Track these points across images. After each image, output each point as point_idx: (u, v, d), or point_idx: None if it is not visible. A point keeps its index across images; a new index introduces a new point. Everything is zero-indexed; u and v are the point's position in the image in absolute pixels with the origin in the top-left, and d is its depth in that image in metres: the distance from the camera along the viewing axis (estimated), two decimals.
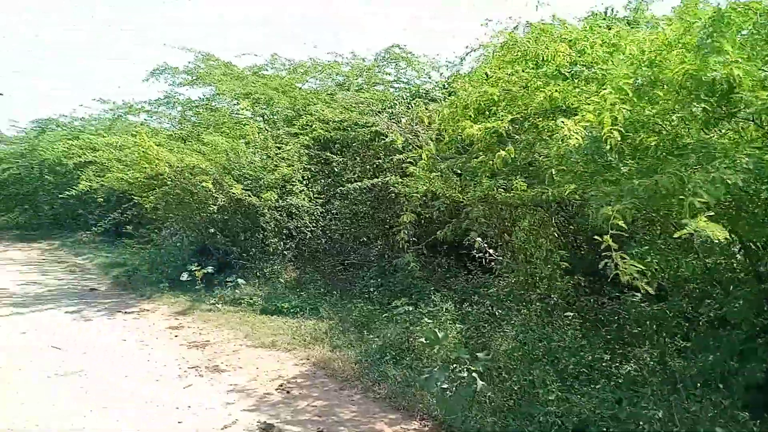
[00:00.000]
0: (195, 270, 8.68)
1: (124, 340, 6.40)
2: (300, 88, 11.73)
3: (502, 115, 4.31)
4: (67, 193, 9.88)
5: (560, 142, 3.42)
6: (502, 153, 4.00)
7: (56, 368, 5.35)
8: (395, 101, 8.80)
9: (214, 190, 8.31)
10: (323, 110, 8.99)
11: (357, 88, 11.11)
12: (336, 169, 10.00)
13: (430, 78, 11.60)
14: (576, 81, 4.29)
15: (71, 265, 11.59)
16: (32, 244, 14.76)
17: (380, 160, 9.14)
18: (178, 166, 8.47)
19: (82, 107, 17.08)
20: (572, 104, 3.94)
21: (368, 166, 9.89)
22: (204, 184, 8.08)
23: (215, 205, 8.84)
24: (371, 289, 8.19)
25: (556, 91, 3.89)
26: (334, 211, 9.55)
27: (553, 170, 3.93)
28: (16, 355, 5.72)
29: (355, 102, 8.76)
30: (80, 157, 9.22)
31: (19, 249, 13.93)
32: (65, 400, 4.60)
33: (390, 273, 8.62)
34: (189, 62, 11.91)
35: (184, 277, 8.61)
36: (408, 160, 6.67)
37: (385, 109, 8.60)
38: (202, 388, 4.93)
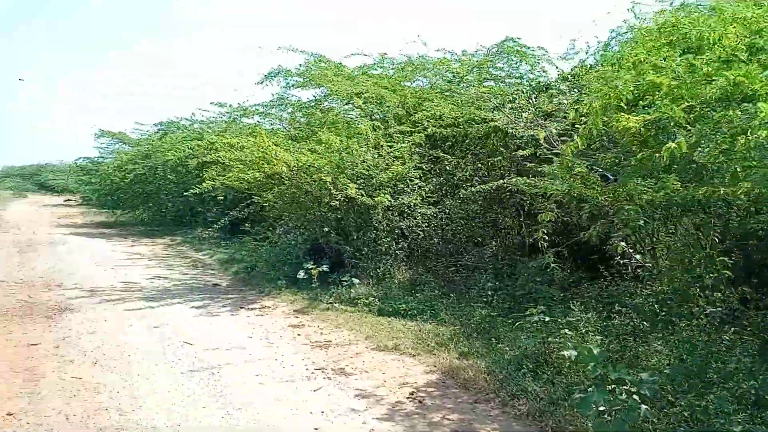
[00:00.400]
0: (311, 268, 8.71)
1: (249, 337, 6.44)
2: (409, 87, 11.53)
3: (664, 105, 3.81)
4: (191, 190, 10.23)
5: (755, 133, 2.90)
6: (672, 145, 3.49)
7: (189, 364, 5.42)
8: (515, 95, 8.33)
9: (332, 188, 8.25)
10: (439, 107, 8.70)
11: (468, 85, 10.75)
12: (448, 168, 9.70)
13: (544, 72, 10.99)
14: (756, 65, 3.71)
15: (193, 260, 12.06)
16: (156, 240, 15.62)
17: (497, 158, 8.74)
18: (294, 165, 8.51)
19: (200, 110, 17.82)
20: (756, 90, 3.39)
21: (480, 164, 9.52)
22: (323, 179, 8.05)
23: (330, 204, 8.82)
24: (489, 293, 7.81)
25: (741, 75, 3.34)
26: (447, 211, 9.23)
27: (737, 166, 3.37)
28: (152, 350, 5.88)
29: (476, 97, 8.38)
30: (204, 157, 9.51)
31: (145, 244, 14.76)
32: (201, 398, 4.61)
33: (507, 276, 8.21)
34: (300, 65, 12.07)
35: (301, 275, 8.64)
36: (537, 156, 6.22)
37: (504, 103, 8.15)
38: (331, 392, 4.78)
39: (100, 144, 25.05)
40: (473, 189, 7.55)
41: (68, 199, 31.08)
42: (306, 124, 11.56)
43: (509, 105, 8.05)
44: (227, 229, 12.84)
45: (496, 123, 7.70)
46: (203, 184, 9.56)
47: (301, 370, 5.32)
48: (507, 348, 5.43)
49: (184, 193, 10.88)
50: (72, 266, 10.80)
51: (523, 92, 8.48)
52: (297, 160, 8.45)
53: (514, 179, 6.74)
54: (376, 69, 12.19)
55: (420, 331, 6.42)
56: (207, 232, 14.75)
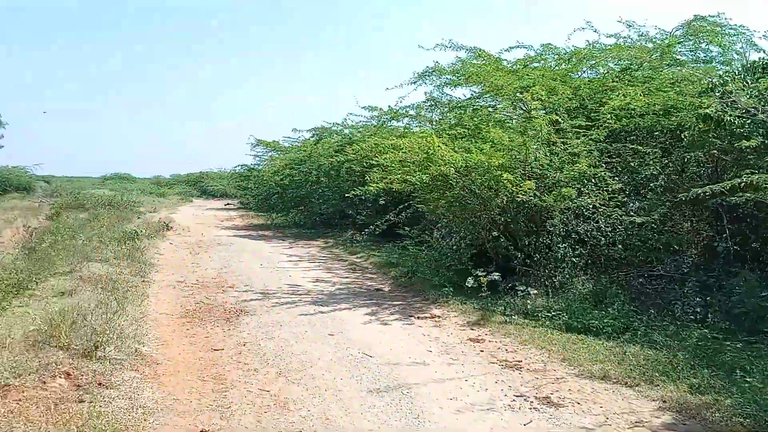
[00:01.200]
0: (480, 275, 7.99)
1: (429, 351, 5.85)
2: (579, 77, 10.43)
3: None
4: (352, 192, 9.94)
5: None
6: None
7: (375, 380, 4.94)
8: (725, 77, 6.98)
9: (510, 186, 7.46)
10: (629, 95, 7.59)
11: (647, 73, 9.43)
12: (632, 164, 8.50)
13: (738, 54, 9.38)
14: None
15: (350, 263, 11.88)
16: (311, 242, 15.82)
17: (701, 151, 7.43)
18: (462, 166, 7.85)
19: (351, 115, 17.95)
20: None
21: (668, 160, 8.22)
22: (503, 177, 7.30)
23: (500, 206, 8.05)
24: (697, 309, 6.59)
25: None
26: (632, 214, 8.04)
27: None
28: (333, 361, 5.49)
29: (679, 77, 7.17)
30: (369, 159, 9.19)
31: (301, 246, 14.96)
32: (399, 424, 4.07)
33: (716, 289, 6.90)
34: (456, 59, 11.42)
35: (470, 282, 7.95)
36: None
37: (714, 87, 6.85)
38: (546, 427, 4.01)
39: (256, 152, 26.49)
40: (700, 189, 6.20)
41: (228, 203, 33.23)
42: (458, 124, 10.86)
43: (720, 89, 6.72)
44: (378, 232, 12.54)
45: (706, 110, 6.44)
46: (365, 187, 9.24)
47: (499, 395, 4.60)
48: (758, 383, 4.30)
49: (346, 195, 10.64)
50: (240, 267, 11.04)
51: (735, 73, 7.10)
52: (465, 160, 7.79)
53: (753, 177, 5.45)
54: (538, 62, 11.23)
55: (625, 354, 5.43)
56: (360, 234, 14.68)
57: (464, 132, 9.20)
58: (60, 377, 4.23)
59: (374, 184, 8.64)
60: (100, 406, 3.96)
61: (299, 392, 4.65)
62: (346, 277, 10.20)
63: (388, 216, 10.67)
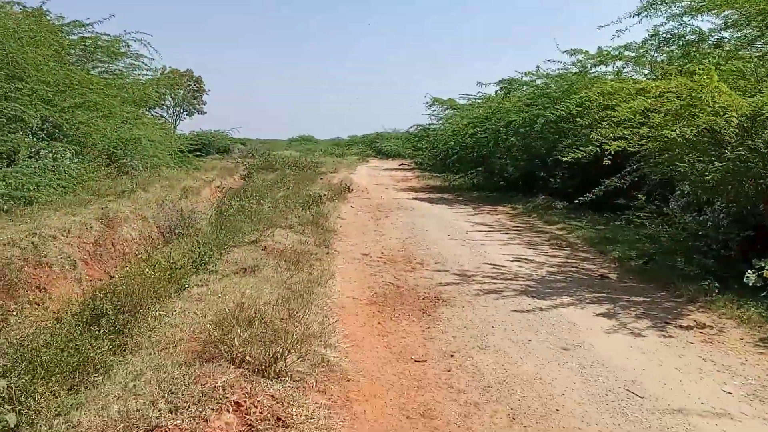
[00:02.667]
0: (766, 268, 5.57)
1: (727, 393, 3.82)
2: None
3: None
4: (571, 155, 7.84)
5: None
6: None
7: None
8: None
9: None
10: None
11: None
12: None
13: None
14: None
15: (552, 237, 9.85)
16: (497, 208, 13.96)
17: None
18: (746, 114, 5.40)
19: (547, 62, 15.33)
20: None
21: None
22: None
23: None
24: None
25: None
26: None
27: None
28: (588, 405, 3.70)
29: None
30: (596, 109, 7.05)
31: (487, 212, 13.20)
32: None
33: None
34: None
35: (751, 279, 5.58)
36: None
37: None
38: None
39: (431, 111, 25.01)
40: None
41: (402, 164, 32.49)
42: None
43: None
44: (592, 199, 10.23)
45: None
46: (586, 147, 7.12)
47: None
48: None
49: (564, 159, 8.57)
50: (426, 238, 9.64)
51: None
52: (754, 105, 5.32)
53: None
54: None
55: None
56: (560, 201, 12.48)
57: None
58: (228, 410, 3.04)
59: (614, 143, 6.45)
60: None
61: None
62: (554, 256, 8.24)
63: (610, 181, 8.41)
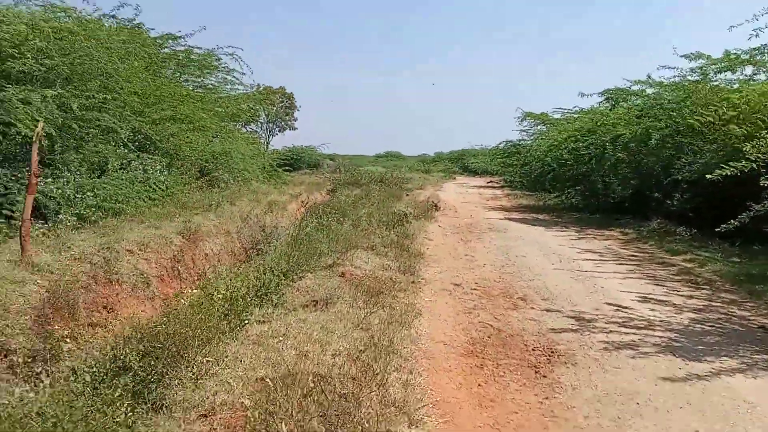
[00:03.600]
0: None
1: None
2: None
3: None
4: (716, 172, 6.20)
5: None
6: None
7: None
8: None
9: None
10: None
11: None
12: None
13: None
14: None
15: (680, 270, 8.10)
16: (602, 232, 12.20)
17: None
18: None
19: (662, 68, 13.38)
20: None
21: None
22: None
23: None
24: None
25: None
26: None
27: None
28: None
29: None
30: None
31: (594, 237, 11.49)
32: None
33: None
34: None
35: None
36: None
37: None
38: None
39: (522, 126, 23.40)
40: None
41: (490, 181, 30.89)
42: None
43: None
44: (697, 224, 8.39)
45: None
46: (745, 162, 5.50)
47: None
48: None
49: (709, 175, 6.90)
50: (526, 265, 8.23)
51: None
52: None
53: None
54: None
55: None
56: (683, 228, 10.61)
57: None
58: None
59: None
60: None
61: None
62: (691, 297, 6.57)
63: (761, 205, 6.65)
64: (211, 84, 17.59)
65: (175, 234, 8.82)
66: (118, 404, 2.74)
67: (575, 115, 18.61)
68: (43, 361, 4.31)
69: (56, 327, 4.93)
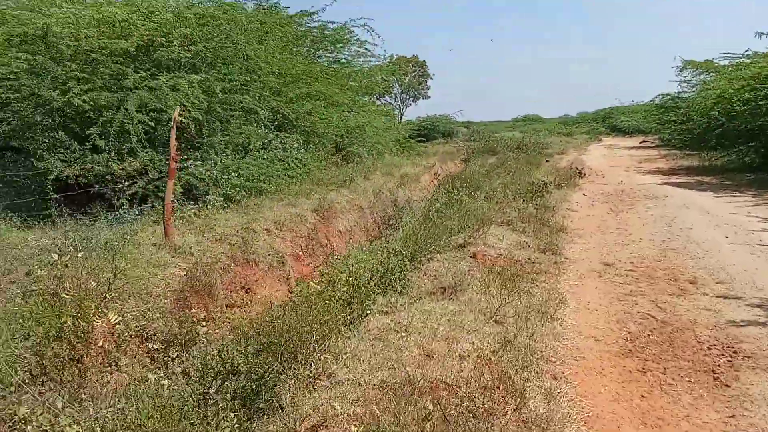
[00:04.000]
0: None
1: None
2: None
3: None
4: None
5: None
6: None
7: None
8: None
9: None
10: None
11: None
12: None
13: None
14: None
15: None
16: None
17: None
18: None
19: None
20: None
21: None
22: None
23: None
24: None
25: None
26: None
27: None
28: None
29: None
30: None
31: None
32: None
33: None
34: None
35: None
36: None
37: None
38: None
39: (682, 77, 20.50)
40: None
41: (643, 141, 27.83)
42: None
43: None
44: None
45: None
46: None
47: None
48: None
49: None
50: (692, 240, 6.99)
51: None
52: None
53: None
54: None
55: None
56: None
57: None
58: None
59: None
60: None
61: None
62: None
63: None
64: (345, 58, 17.56)
65: (311, 211, 8.87)
66: (223, 416, 2.54)
67: (747, 60, 15.76)
68: (179, 345, 4.40)
69: (194, 310, 5.06)
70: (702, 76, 20.18)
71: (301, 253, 8.21)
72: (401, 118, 37.83)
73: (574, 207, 9.75)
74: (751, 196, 10.37)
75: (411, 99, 39.08)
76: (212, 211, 7.76)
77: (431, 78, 39.66)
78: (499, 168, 14.33)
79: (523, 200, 8.96)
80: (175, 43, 8.90)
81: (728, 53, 17.28)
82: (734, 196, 10.58)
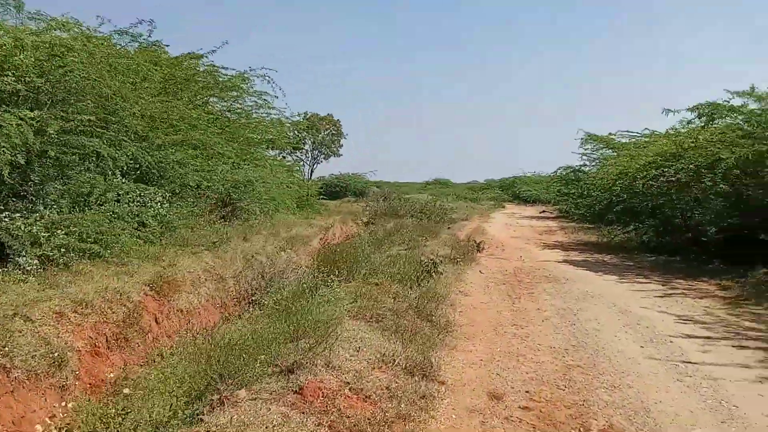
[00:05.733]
0: None
1: None
2: None
3: None
4: None
5: None
6: None
7: None
8: None
9: None
10: None
11: None
12: None
13: None
14: None
15: None
16: (693, 283, 9.09)
17: None
18: None
19: None
20: None
21: None
22: None
23: None
24: None
25: None
26: None
27: None
28: None
29: None
30: None
31: (682, 292, 8.41)
32: None
33: None
34: None
35: None
36: None
37: None
38: None
39: (584, 150, 20.32)
40: None
41: (543, 211, 27.67)
42: None
43: None
44: None
45: None
46: None
47: None
48: None
49: None
50: (603, 349, 5.38)
51: None
52: None
53: None
54: None
55: None
56: None
57: None
58: None
59: None
60: None
61: None
62: None
63: None
64: (242, 108, 15.40)
65: (143, 284, 6.57)
66: None
67: (645, 139, 15.47)
68: None
69: None
70: (602, 151, 20.08)
71: (104, 347, 5.82)
72: (311, 174, 36.08)
73: (467, 290, 8.09)
74: (658, 283, 9.22)
75: (323, 156, 37.57)
76: (11, 277, 5.59)
77: (345, 137, 38.53)
78: (395, 235, 12.66)
79: (407, 284, 7.15)
80: (8, 73, 6.57)
81: (627, 131, 17.11)
82: (639, 282, 9.39)
